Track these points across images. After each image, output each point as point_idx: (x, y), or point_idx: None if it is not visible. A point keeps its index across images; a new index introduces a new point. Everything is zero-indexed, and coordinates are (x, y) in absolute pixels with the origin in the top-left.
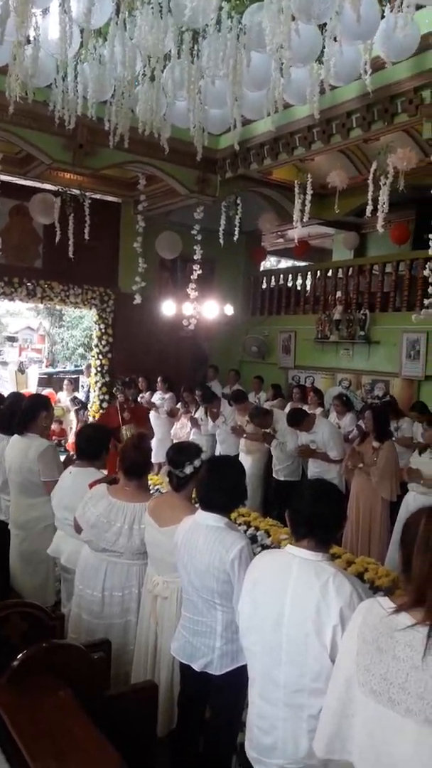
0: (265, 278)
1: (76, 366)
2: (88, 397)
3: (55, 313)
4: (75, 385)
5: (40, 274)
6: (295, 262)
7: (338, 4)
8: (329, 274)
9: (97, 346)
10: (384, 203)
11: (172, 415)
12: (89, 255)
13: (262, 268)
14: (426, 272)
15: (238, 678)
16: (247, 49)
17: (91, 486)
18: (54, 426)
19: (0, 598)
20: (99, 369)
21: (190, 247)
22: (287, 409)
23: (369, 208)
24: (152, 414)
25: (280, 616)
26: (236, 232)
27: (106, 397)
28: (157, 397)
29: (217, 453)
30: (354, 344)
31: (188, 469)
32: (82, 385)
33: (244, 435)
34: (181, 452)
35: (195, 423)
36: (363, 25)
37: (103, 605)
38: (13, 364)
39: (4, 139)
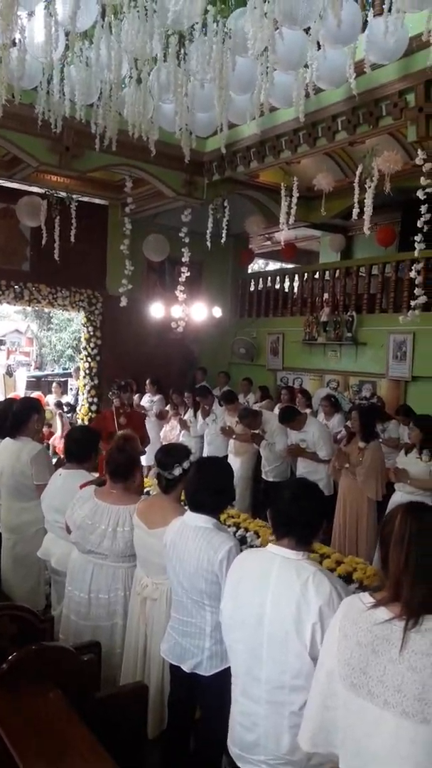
0: (252, 280)
1: (64, 369)
2: (76, 400)
3: (43, 315)
4: (63, 388)
5: (28, 276)
6: (283, 265)
7: (321, 9)
8: (316, 276)
9: (85, 348)
10: (370, 206)
11: (162, 417)
12: (77, 257)
13: (249, 271)
14: (412, 274)
15: (228, 678)
16: (232, 53)
17: (81, 488)
18: (44, 429)
19: None
20: (87, 372)
21: (177, 250)
22: (276, 410)
23: (355, 210)
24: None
25: (261, 614)
26: (224, 235)
27: (95, 399)
28: (146, 400)
29: (205, 455)
30: (341, 346)
31: (177, 471)
32: (71, 388)
33: (234, 436)
34: (169, 454)
35: (184, 425)
36: (345, 29)
37: (89, 607)
38: (0, 368)
39: None
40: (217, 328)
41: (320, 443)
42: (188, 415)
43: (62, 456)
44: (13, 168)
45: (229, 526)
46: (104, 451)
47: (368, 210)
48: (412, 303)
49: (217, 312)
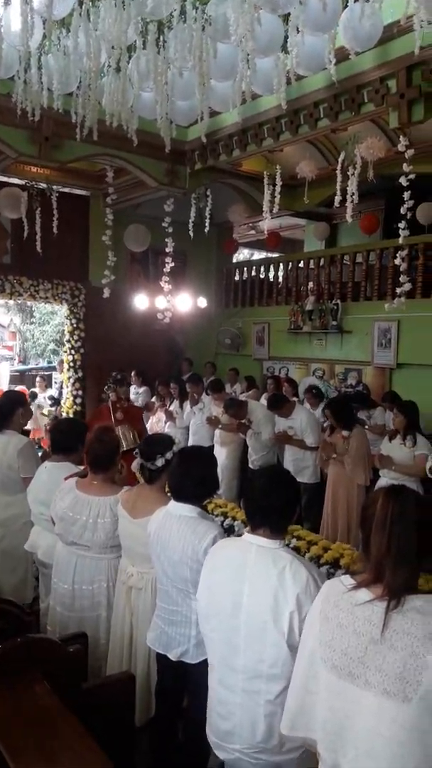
0: (237, 270)
1: (48, 363)
2: (61, 394)
3: (25, 309)
4: (48, 381)
5: (9, 269)
6: (268, 254)
7: None
8: (301, 265)
9: (69, 341)
10: (354, 193)
11: (148, 409)
12: (58, 249)
13: (234, 260)
14: (397, 261)
15: None
16: (213, 40)
17: (66, 480)
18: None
19: None
20: (71, 365)
21: (161, 240)
22: (263, 399)
23: (338, 198)
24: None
25: (238, 603)
26: (207, 224)
27: (80, 392)
28: (131, 392)
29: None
30: (327, 334)
31: (160, 462)
32: (55, 382)
33: (220, 426)
34: (153, 444)
35: (170, 416)
36: (325, 15)
37: (73, 598)
38: None
39: None
40: (202, 318)
41: (308, 430)
42: (174, 407)
43: (47, 449)
44: None
45: (216, 515)
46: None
47: (351, 198)
48: (397, 290)
49: (202, 302)
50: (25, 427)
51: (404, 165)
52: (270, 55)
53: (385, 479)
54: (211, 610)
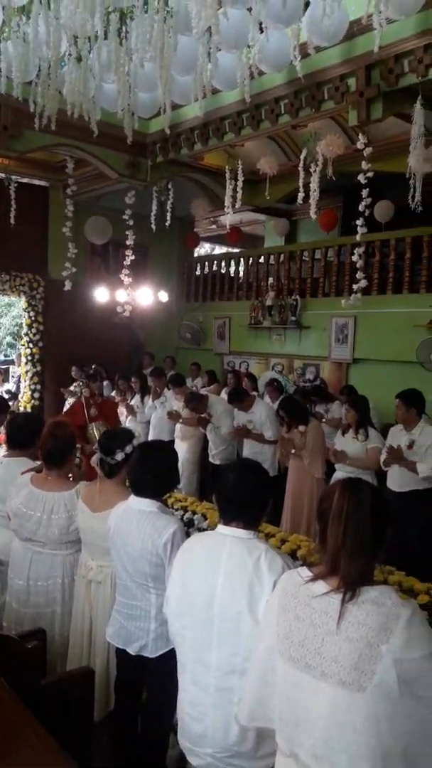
0: (198, 264)
1: (5, 356)
2: (18, 387)
3: None
4: (5, 375)
5: None
6: (229, 249)
7: None
8: (261, 260)
9: (27, 334)
10: (315, 190)
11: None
12: (16, 241)
13: (195, 255)
14: (354, 258)
15: (173, 659)
16: (174, 32)
17: (22, 475)
18: None
19: None
20: (30, 358)
21: (122, 233)
22: (223, 394)
23: (300, 195)
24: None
25: (211, 596)
26: (168, 218)
27: (38, 386)
28: (76, 385)
29: (150, 439)
30: (286, 329)
31: (119, 456)
32: (12, 375)
33: (180, 420)
34: (112, 439)
35: (131, 410)
36: (287, 10)
37: (29, 594)
38: None
39: None
40: (163, 312)
41: (267, 424)
42: (135, 401)
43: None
44: None
45: (176, 509)
46: (79, 445)
47: (313, 194)
48: (354, 287)
49: (163, 296)
50: None
51: (363, 163)
52: (235, 50)
53: (341, 473)
54: (183, 607)
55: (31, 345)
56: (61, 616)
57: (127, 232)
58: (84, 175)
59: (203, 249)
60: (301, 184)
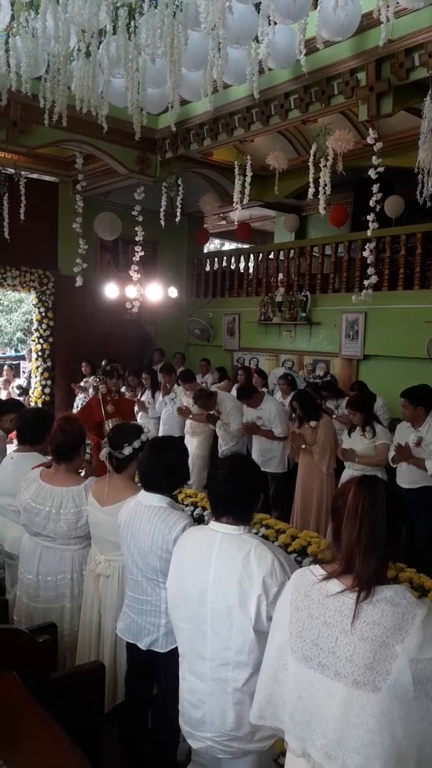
0: (208, 260)
1: (16, 351)
2: (29, 383)
3: None
4: (15, 370)
5: None
6: (238, 245)
7: None
8: (271, 256)
9: (37, 330)
10: (326, 185)
11: None
12: (27, 236)
13: (205, 251)
14: (365, 254)
15: None
16: (184, 27)
17: (33, 470)
18: None
19: None
20: (40, 354)
21: (131, 229)
22: (233, 390)
23: (311, 190)
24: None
25: (204, 590)
26: (178, 214)
27: (49, 382)
28: (93, 378)
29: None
30: (296, 326)
31: (127, 450)
32: (23, 371)
33: (190, 416)
34: (120, 433)
35: (141, 406)
36: (296, 4)
37: (38, 589)
38: None
39: None
40: (173, 308)
41: (276, 421)
42: (146, 397)
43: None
44: None
45: (186, 505)
46: (92, 442)
47: (323, 189)
48: (365, 282)
49: (173, 292)
50: None
51: (373, 158)
52: (243, 45)
53: (350, 471)
54: (179, 599)
55: (41, 341)
56: (71, 611)
57: (136, 228)
58: (93, 171)
59: (213, 245)
60: (311, 179)
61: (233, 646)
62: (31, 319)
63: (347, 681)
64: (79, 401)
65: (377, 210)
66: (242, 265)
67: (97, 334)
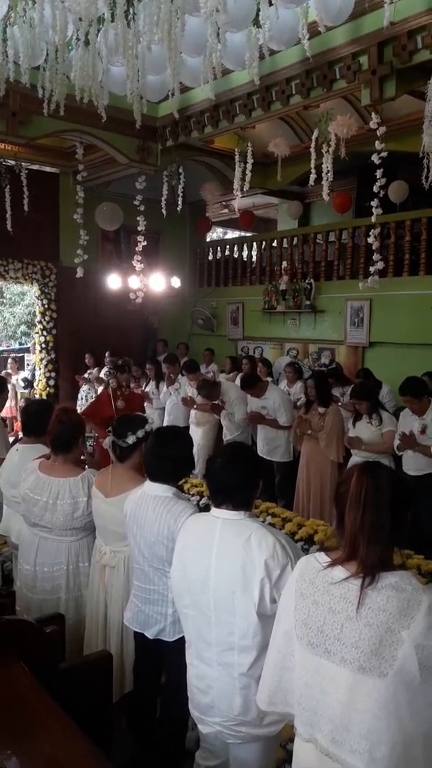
0: (211, 249)
1: (20, 344)
2: (33, 375)
3: None
4: (20, 363)
5: None
6: (241, 233)
7: None
8: (274, 244)
9: (40, 322)
10: (329, 171)
11: None
12: (28, 228)
13: (208, 239)
14: (369, 240)
15: None
16: (182, 13)
17: (34, 461)
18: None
19: None
20: (44, 346)
21: (133, 219)
22: (237, 381)
23: (313, 176)
24: (101, 390)
25: (206, 577)
26: (179, 203)
27: (53, 374)
28: (105, 373)
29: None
30: (300, 314)
31: (131, 439)
32: (28, 363)
33: (195, 406)
34: (124, 423)
35: (146, 397)
36: None
37: (35, 580)
38: None
39: None
40: (176, 298)
41: (281, 410)
42: (150, 387)
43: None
44: None
45: (192, 494)
46: (101, 438)
47: (326, 176)
48: (370, 269)
49: (176, 282)
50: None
51: (376, 143)
52: (242, 29)
53: (357, 458)
54: (183, 586)
55: (44, 333)
56: (66, 602)
57: (138, 218)
58: (94, 161)
59: (215, 234)
60: (313, 165)
61: (237, 630)
62: (34, 312)
63: (353, 667)
64: (84, 393)
65: (381, 196)
66: (245, 253)
67: (100, 325)
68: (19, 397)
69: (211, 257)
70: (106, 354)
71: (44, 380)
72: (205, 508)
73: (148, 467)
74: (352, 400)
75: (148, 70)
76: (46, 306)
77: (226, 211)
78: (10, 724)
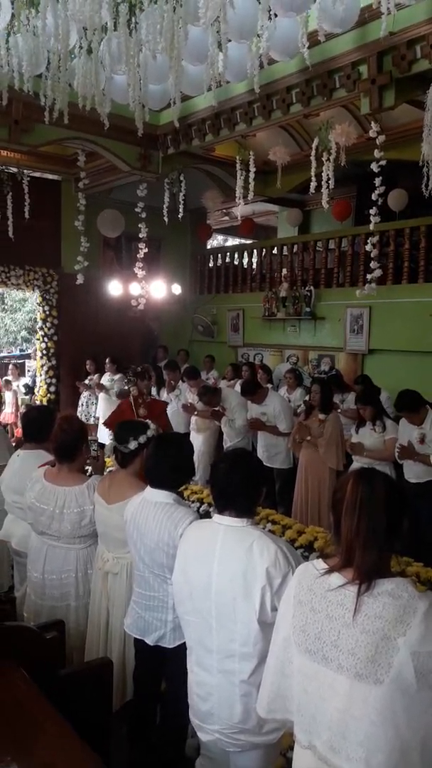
0: (211, 256)
1: (21, 351)
2: (34, 381)
3: None
4: (21, 369)
5: None
6: (242, 240)
7: None
8: (275, 251)
9: (41, 328)
10: (329, 179)
11: (123, 396)
12: (30, 235)
13: (208, 247)
14: (368, 248)
15: None
16: (184, 22)
17: (39, 469)
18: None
19: None
20: (45, 352)
21: (134, 226)
22: (237, 387)
23: (313, 184)
24: (102, 396)
25: (208, 583)
26: (180, 210)
27: (54, 380)
28: (106, 379)
29: None
30: (300, 320)
31: (132, 445)
32: (29, 370)
33: (195, 413)
34: (126, 428)
35: None
36: None
37: (44, 587)
38: None
39: None
40: (177, 305)
41: (281, 416)
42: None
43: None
44: None
45: (192, 501)
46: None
47: (327, 184)
48: (368, 276)
49: (177, 289)
50: None
51: (375, 151)
52: (245, 40)
53: (358, 464)
54: (185, 593)
55: (46, 339)
56: (76, 609)
57: (139, 225)
58: (96, 169)
59: (216, 241)
60: (313, 173)
61: (238, 637)
62: (36, 318)
63: (350, 674)
64: (84, 399)
65: (380, 204)
66: (246, 260)
67: (102, 331)
68: (20, 403)
69: (211, 264)
70: (107, 360)
71: (45, 386)
72: (206, 515)
73: (148, 473)
74: (358, 405)
75: (150, 78)
76: (47, 312)
77: (226, 218)
78: (9, 730)
